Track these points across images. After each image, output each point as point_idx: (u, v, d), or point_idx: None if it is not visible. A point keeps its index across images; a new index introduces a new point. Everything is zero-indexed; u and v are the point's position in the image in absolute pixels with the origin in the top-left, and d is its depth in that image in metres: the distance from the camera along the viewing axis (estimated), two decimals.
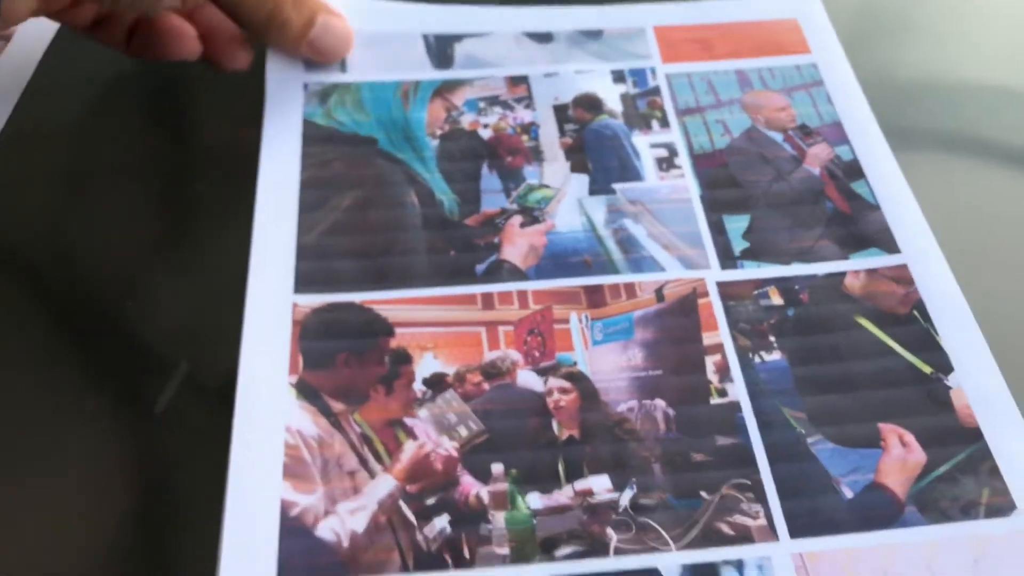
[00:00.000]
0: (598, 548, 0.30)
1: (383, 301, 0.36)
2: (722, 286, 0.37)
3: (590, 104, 0.44)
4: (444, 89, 0.44)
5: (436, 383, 0.34)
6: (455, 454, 0.33)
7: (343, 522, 0.31)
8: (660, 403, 0.34)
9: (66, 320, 0.37)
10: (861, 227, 0.39)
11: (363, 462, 0.32)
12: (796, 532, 0.31)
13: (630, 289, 0.37)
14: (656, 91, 0.44)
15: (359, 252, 0.38)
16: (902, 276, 0.38)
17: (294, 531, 0.30)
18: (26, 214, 0.40)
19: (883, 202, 0.40)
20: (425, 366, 0.35)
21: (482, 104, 0.44)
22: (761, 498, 0.32)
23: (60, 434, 0.34)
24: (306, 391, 0.34)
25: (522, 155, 0.42)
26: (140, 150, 0.43)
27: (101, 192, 0.41)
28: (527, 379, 0.35)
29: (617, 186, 0.41)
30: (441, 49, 0.45)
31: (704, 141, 0.43)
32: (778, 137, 0.43)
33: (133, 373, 0.35)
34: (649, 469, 0.32)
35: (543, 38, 0.46)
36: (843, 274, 0.38)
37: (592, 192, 0.41)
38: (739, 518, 0.31)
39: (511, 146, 0.42)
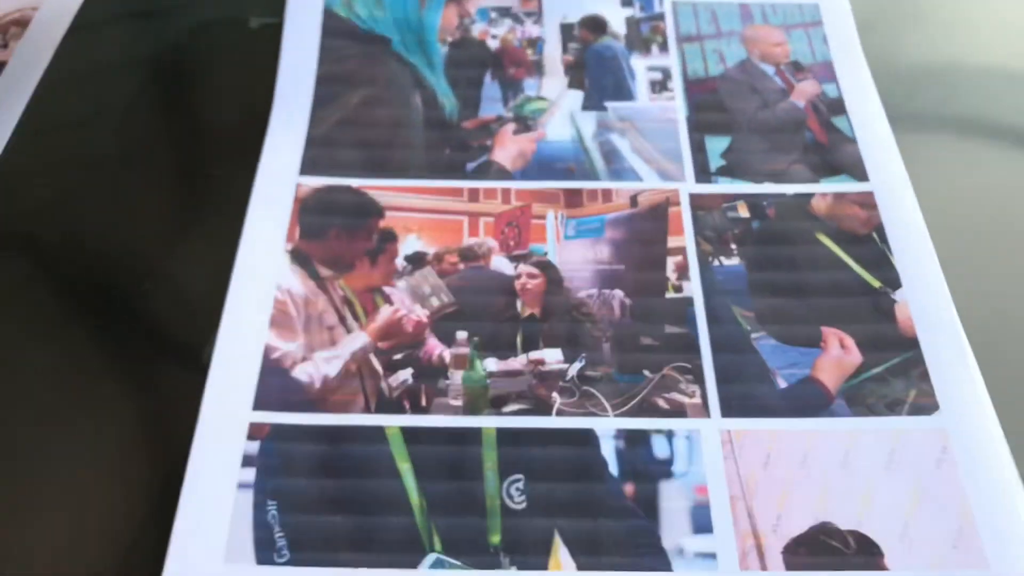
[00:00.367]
0: (542, 408, 0.34)
1: (378, 187, 0.40)
2: (694, 198, 0.40)
3: (595, 26, 0.46)
4: None
5: (416, 260, 0.38)
6: (425, 320, 0.36)
7: (317, 367, 0.34)
8: (619, 293, 0.37)
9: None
10: (836, 156, 0.41)
11: (342, 320, 0.36)
12: (728, 412, 0.34)
13: (607, 194, 0.40)
14: (660, 17, 0.47)
15: (362, 143, 0.41)
16: (867, 201, 0.40)
17: (273, 371, 0.34)
18: (42, 199, 0.40)
19: (860, 136, 0.42)
20: (408, 245, 0.38)
21: (493, 15, 0.47)
22: (699, 380, 0.34)
23: (86, 397, 0.34)
24: (299, 257, 0.37)
25: (524, 68, 0.45)
26: (156, 136, 0.43)
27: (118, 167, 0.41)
28: (500, 264, 0.38)
29: (609, 104, 0.43)
30: None
31: (699, 68, 0.45)
32: (770, 70, 0.45)
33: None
34: (599, 347, 0.35)
35: None
36: (811, 195, 0.40)
37: (585, 108, 0.43)
38: (676, 396, 0.34)
39: (516, 58, 0.45)
